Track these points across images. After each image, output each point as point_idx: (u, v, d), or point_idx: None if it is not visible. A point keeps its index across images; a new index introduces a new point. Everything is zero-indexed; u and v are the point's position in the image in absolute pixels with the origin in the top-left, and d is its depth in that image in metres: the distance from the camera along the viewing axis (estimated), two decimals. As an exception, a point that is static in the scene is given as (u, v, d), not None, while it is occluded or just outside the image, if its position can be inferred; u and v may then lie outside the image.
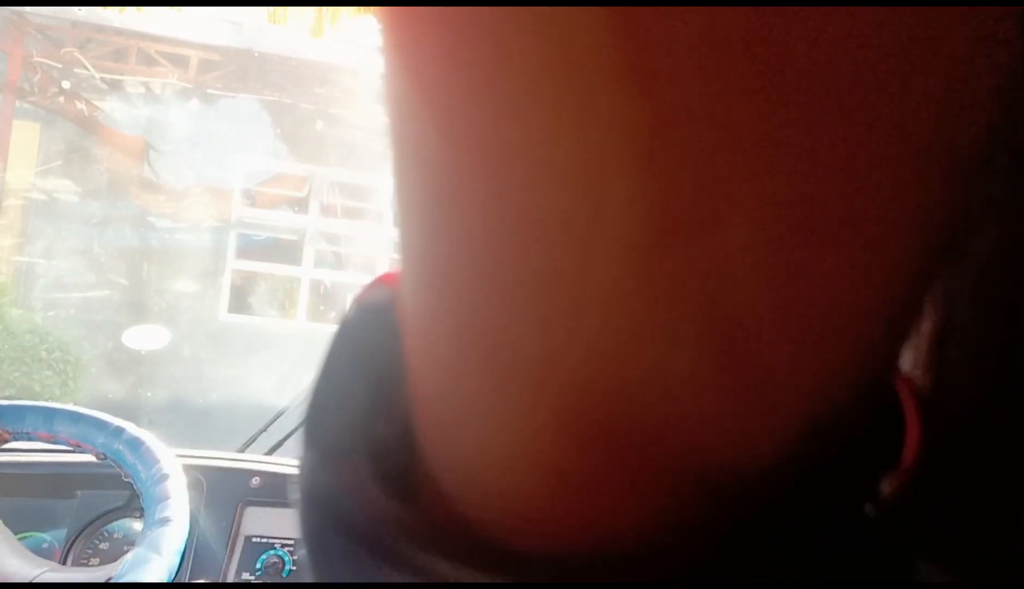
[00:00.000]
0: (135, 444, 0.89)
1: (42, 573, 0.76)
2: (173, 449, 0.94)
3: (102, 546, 1.02)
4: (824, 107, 0.10)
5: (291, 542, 1.02)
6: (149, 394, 5.96)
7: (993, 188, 0.15)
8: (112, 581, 0.75)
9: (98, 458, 0.90)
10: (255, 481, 1.06)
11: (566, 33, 0.10)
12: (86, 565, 1.00)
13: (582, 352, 0.11)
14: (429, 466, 0.14)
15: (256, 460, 1.12)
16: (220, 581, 0.98)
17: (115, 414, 0.93)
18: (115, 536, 1.03)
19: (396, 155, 0.13)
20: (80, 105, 6.46)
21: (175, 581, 0.80)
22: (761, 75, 0.10)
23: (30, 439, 0.88)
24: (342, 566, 0.14)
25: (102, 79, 6.46)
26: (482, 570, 0.13)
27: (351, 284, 7.61)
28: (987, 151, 0.12)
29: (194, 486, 0.94)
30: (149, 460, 0.88)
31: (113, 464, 0.89)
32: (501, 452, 0.13)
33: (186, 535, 0.83)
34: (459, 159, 0.12)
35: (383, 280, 0.17)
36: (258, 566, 1.00)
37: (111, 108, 6.69)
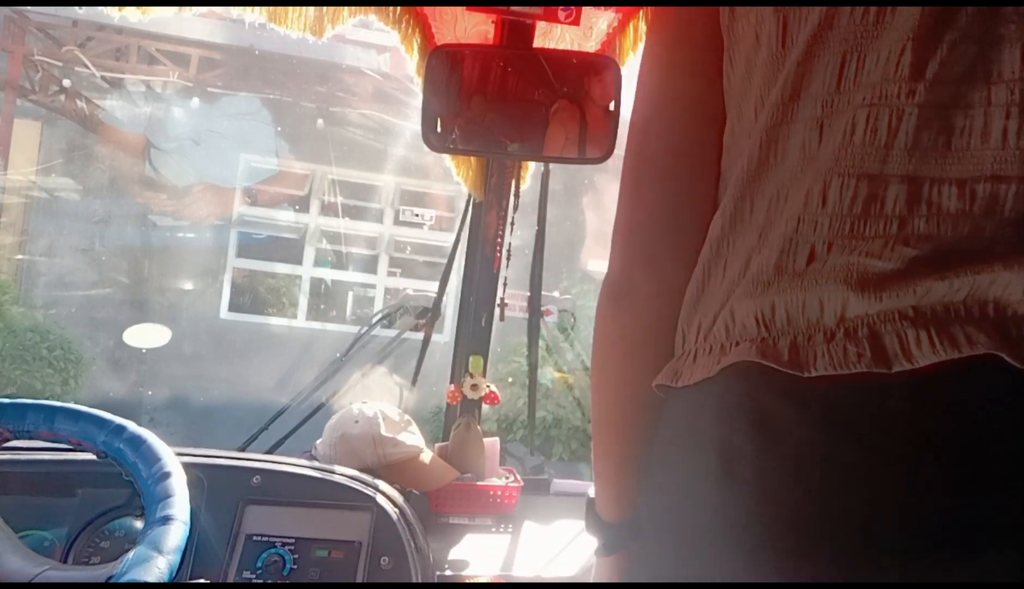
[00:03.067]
0: (136, 442, 0.88)
1: (43, 571, 0.75)
2: (174, 447, 0.94)
3: (103, 544, 1.02)
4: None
5: (292, 540, 1.02)
6: (150, 392, 5.96)
7: None
8: (113, 579, 0.75)
9: (99, 456, 0.90)
10: (256, 479, 1.06)
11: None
12: (87, 563, 1.00)
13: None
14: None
15: (257, 458, 1.11)
16: (221, 580, 0.98)
17: (116, 412, 0.92)
18: (116, 534, 1.03)
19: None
20: (81, 103, 6.45)
21: (176, 580, 0.80)
22: None
23: (31, 437, 0.88)
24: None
25: (103, 77, 6.45)
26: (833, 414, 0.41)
27: (351, 283, 7.60)
28: None
29: (195, 484, 0.94)
30: (150, 458, 0.88)
31: (114, 462, 0.89)
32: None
33: (187, 533, 0.83)
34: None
35: None
36: (259, 565, 1.00)
37: (112, 106, 6.68)
